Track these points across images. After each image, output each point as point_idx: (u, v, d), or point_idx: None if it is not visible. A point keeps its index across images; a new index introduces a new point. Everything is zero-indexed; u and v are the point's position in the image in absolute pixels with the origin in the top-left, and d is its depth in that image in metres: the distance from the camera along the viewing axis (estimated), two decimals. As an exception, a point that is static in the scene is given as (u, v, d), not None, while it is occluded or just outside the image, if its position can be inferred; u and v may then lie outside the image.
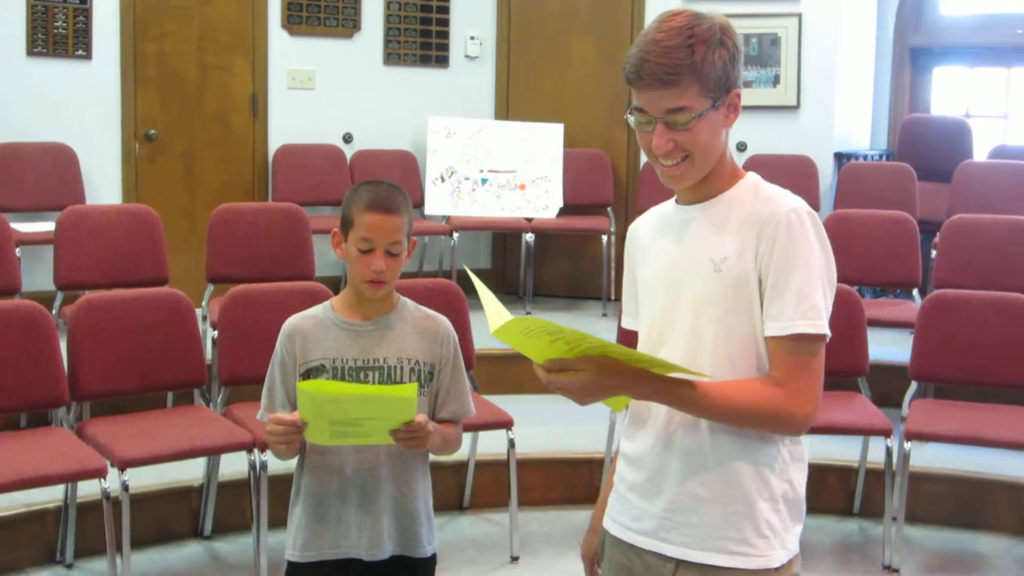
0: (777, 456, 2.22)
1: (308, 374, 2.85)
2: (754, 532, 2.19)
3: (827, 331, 2.15)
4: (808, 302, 2.13)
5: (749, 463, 2.19)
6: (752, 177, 2.28)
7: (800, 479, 2.26)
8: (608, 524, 2.38)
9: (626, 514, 2.32)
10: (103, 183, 6.86)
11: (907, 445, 4.66)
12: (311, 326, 2.90)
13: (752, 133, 7.34)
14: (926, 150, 7.89)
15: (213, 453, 4.50)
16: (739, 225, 2.19)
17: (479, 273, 7.97)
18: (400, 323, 2.92)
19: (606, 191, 7.77)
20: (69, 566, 4.47)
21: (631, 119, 2.22)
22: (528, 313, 7.22)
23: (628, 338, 2.41)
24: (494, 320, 2.07)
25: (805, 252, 2.15)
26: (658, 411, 2.25)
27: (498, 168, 7.59)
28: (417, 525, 2.92)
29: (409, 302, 2.98)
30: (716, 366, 2.17)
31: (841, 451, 5.25)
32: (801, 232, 2.15)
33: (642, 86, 2.15)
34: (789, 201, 2.19)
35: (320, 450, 2.85)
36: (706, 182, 2.23)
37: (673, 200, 2.34)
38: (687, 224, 2.27)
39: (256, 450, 4.32)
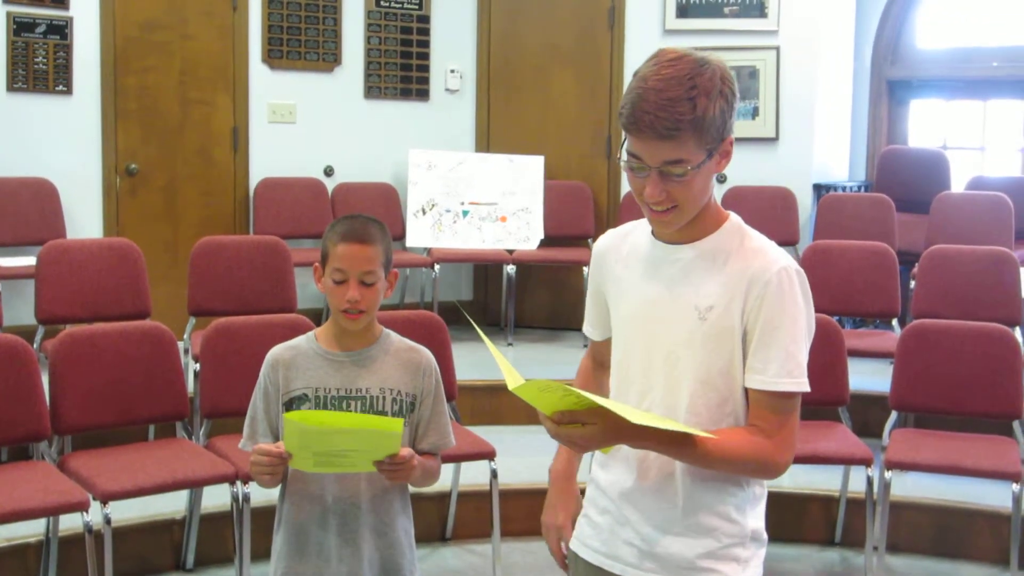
0: (744, 498, 2.28)
1: (291, 403, 2.87)
2: (721, 562, 2.25)
3: (808, 388, 2.21)
4: (793, 360, 2.19)
5: (718, 503, 2.25)
6: (735, 220, 2.30)
7: (761, 514, 2.33)
8: (577, 547, 2.42)
9: (596, 538, 2.36)
10: (84, 217, 6.86)
11: (888, 474, 4.69)
12: (294, 356, 2.92)
13: (731, 165, 7.16)
14: (904, 181, 7.94)
15: (195, 486, 4.49)
16: (726, 276, 2.22)
17: (460, 304, 7.86)
18: (383, 354, 2.93)
19: (587, 223, 7.79)
20: (50, 601, 4.44)
21: (623, 163, 2.20)
22: (510, 345, 7.25)
23: (596, 348, 2.51)
24: (511, 379, 2.10)
25: (793, 311, 2.20)
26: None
27: (479, 200, 7.61)
28: (398, 555, 2.93)
29: (392, 334, 3.00)
30: (692, 410, 2.22)
31: (822, 481, 5.26)
32: (791, 291, 2.20)
33: (640, 136, 2.14)
34: (779, 258, 2.23)
35: (301, 478, 2.87)
36: (691, 223, 2.25)
37: (647, 229, 2.34)
38: (669, 265, 2.28)
39: (239, 482, 4.31)
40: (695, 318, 2.22)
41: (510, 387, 2.09)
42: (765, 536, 2.32)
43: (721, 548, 2.24)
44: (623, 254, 2.38)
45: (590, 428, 2.11)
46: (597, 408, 2.09)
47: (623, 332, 2.35)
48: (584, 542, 2.40)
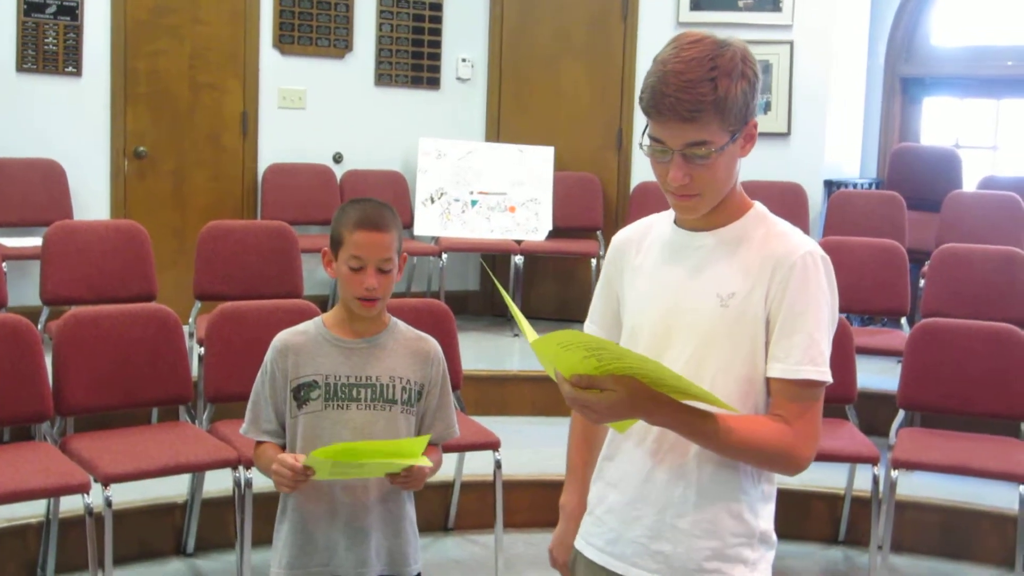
0: (756, 496, 2.21)
1: (299, 389, 2.85)
2: (728, 564, 2.18)
3: (831, 378, 2.15)
4: (816, 348, 2.13)
5: (731, 500, 2.18)
6: (760, 208, 2.25)
7: (771, 515, 2.26)
8: (581, 545, 2.35)
9: (601, 537, 2.29)
10: (91, 199, 6.84)
11: (894, 473, 4.66)
12: (303, 342, 2.90)
13: (742, 159, 7.32)
14: (916, 179, 7.91)
15: (198, 470, 4.48)
16: (749, 262, 2.16)
17: (467, 294, 7.87)
18: (392, 342, 2.92)
19: (596, 215, 7.77)
20: (50, 582, 4.43)
21: (646, 148, 2.15)
22: (516, 335, 7.23)
23: None
24: (530, 334, 2.04)
25: (817, 297, 2.14)
26: (644, 435, 2.22)
27: (488, 190, 7.59)
28: (404, 543, 2.93)
29: (400, 323, 2.98)
30: None
31: (827, 478, 5.23)
32: (816, 276, 2.15)
33: (661, 120, 2.09)
34: (804, 243, 2.18)
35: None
36: (714, 210, 2.20)
37: (669, 218, 2.30)
38: (690, 252, 2.22)
39: (241, 467, 4.29)
40: (716, 305, 2.15)
41: (530, 341, 2.02)
42: (774, 538, 2.25)
43: (728, 548, 2.17)
44: (644, 245, 2.32)
45: (609, 395, 2.01)
46: (619, 376, 2.01)
47: (639, 320, 2.27)
48: (588, 540, 2.33)
